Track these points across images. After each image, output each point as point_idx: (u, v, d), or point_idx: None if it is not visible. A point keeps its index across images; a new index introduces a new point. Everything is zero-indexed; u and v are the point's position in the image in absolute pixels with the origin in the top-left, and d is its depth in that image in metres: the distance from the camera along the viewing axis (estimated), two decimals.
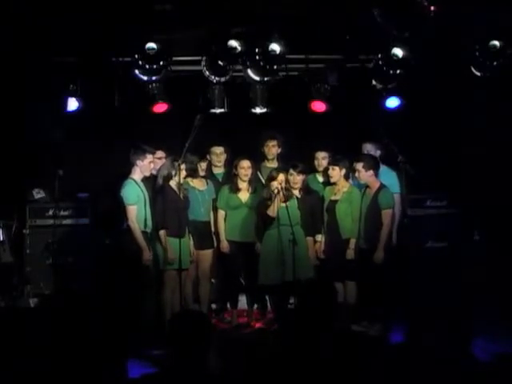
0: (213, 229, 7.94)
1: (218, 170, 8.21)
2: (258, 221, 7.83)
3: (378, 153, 8.11)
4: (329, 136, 8.81)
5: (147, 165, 7.46)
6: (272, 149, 8.21)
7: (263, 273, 7.65)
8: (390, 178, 7.94)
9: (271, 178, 7.66)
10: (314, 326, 3.94)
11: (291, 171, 7.75)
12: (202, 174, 7.94)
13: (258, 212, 7.80)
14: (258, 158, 8.17)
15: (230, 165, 8.10)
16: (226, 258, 7.94)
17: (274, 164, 8.22)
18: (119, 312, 7.00)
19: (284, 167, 7.89)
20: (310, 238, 7.78)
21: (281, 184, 7.56)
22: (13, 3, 7.57)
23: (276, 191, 7.55)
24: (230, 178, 7.99)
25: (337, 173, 7.74)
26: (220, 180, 8.15)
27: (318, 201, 7.89)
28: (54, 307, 3.95)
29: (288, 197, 7.60)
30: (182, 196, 7.52)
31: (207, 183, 7.98)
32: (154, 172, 7.65)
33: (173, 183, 7.54)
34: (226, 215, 7.90)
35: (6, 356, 3.74)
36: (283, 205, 7.52)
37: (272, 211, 7.60)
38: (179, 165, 7.42)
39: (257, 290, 7.88)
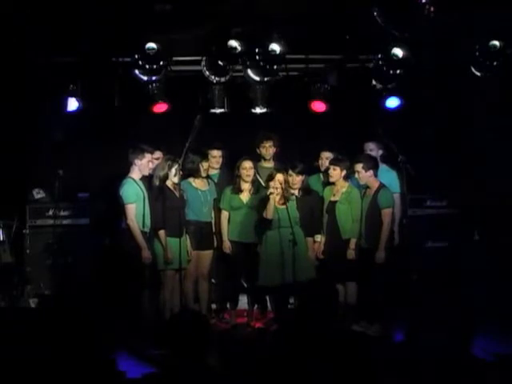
0: (213, 229, 7.94)
1: (214, 171, 8.18)
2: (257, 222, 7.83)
3: (380, 152, 8.11)
4: (329, 136, 8.80)
5: (146, 164, 7.46)
6: (269, 149, 8.20)
7: (263, 274, 7.64)
8: (390, 177, 7.95)
9: (270, 179, 7.66)
10: (313, 326, 3.94)
11: (290, 172, 7.73)
12: (203, 174, 7.92)
13: (258, 213, 7.80)
14: (256, 159, 8.17)
15: (226, 167, 8.11)
16: (227, 258, 7.94)
17: (270, 164, 8.22)
18: (119, 312, 7.01)
19: (282, 167, 7.89)
20: (309, 239, 7.77)
21: (276, 185, 7.54)
22: (13, 3, 7.57)
23: (270, 192, 7.54)
24: (229, 178, 7.99)
25: (337, 173, 7.72)
26: (216, 181, 8.14)
27: (317, 201, 7.87)
28: (54, 307, 3.95)
29: (287, 198, 7.59)
30: (178, 196, 7.51)
31: (209, 183, 7.97)
32: (152, 172, 7.65)
33: (169, 183, 7.53)
34: (228, 216, 7.89)
35: (6, 356, 3.74)
36: (283, 206, 7.51)
37: (266, 213, 7.58)
38: (179, 164, 7.42)
39: (257, 290, 7.88)
